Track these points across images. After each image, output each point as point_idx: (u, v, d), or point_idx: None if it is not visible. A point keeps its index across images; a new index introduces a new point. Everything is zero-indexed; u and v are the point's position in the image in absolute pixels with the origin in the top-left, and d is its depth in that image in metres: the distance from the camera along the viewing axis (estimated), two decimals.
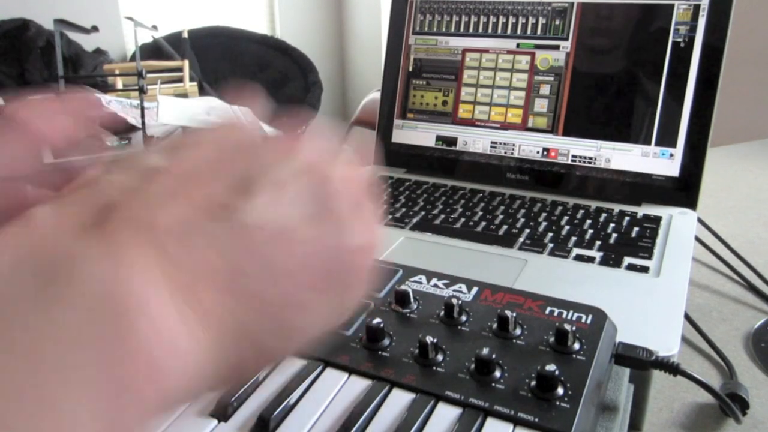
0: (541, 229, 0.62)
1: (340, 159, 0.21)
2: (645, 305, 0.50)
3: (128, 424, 0.14)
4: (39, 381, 0.13)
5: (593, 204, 0.67)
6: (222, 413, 0.32)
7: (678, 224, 0.62)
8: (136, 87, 1.86)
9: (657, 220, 0.63)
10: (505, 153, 0.74)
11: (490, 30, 0.75)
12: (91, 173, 0.18)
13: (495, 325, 0.37)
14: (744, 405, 0.44)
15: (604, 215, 0.65)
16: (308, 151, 0.20)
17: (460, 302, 0.39)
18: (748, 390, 0.45)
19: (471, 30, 0.76)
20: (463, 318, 0.38)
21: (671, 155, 0.66)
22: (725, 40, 0.64)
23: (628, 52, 0.69)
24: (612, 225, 0.62)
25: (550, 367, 0.31)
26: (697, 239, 0.65)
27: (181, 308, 0.16)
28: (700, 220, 0.65)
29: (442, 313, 0.39)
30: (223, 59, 3.55)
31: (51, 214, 0.16)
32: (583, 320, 0.36)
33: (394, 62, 0.81)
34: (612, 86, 0.69)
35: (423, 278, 0.43)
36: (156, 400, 0.15)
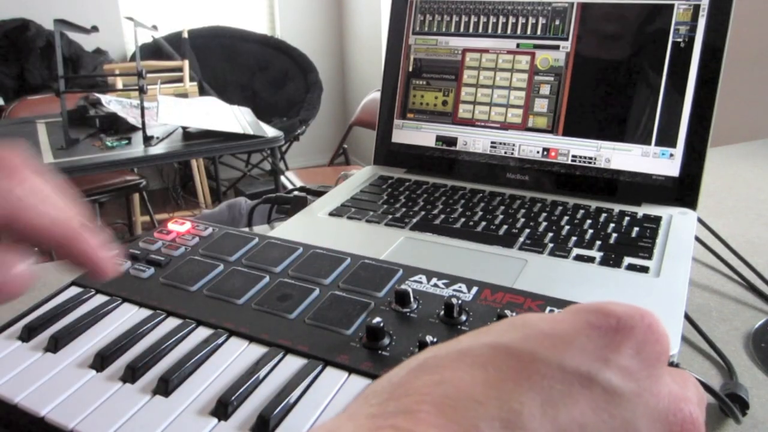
0: (541, 229, 0.62)
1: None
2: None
3: None
4: None
5: (593, 204, 0.67)
6: (222, 412, 0.32)
7: (678, 224, 0.62)
8: (136, 87, 1.86)
9: (657, 220, 0.63)
10: (505, 153, 0.74)
11: (490, 30, 0.75)
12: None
13: None
14: (744, 405, 0.44)
15: (604, 215, 0.65)
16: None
17: (460, 302, 0.39)
18: (748, 390, 0.45)
19: (471, 30, 0.76)
20: (463, 318, 0.38)
21: (671, 155, 0.66)
22: (725, 40, 0.64)
23: (628, 52, 0.69)
24: (612, 225, 0.62)
25: None
26: (697, 239, 0.65)
27: None
28: (700, 220, 0.65)
29: (442, 312, 0.39)
30: (223, 59, 3.56)
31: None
32: None
33: (394, 62, 0.81)
34: (612, 86, 0.69)
35: (423, 278, 0.43)
36: None
